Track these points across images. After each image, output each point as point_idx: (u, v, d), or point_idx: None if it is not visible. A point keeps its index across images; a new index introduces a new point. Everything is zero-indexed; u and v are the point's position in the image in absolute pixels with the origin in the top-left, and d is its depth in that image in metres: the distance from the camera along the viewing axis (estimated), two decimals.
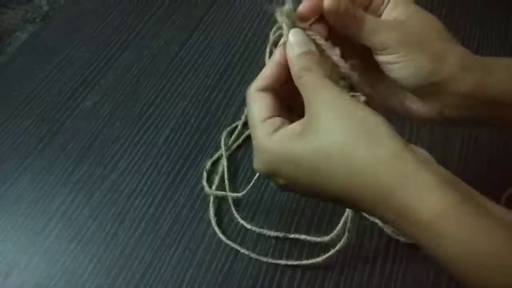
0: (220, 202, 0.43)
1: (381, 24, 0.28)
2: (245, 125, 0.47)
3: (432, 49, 0.28)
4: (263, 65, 0.53)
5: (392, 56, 0.28)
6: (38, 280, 0.39)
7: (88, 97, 0.53)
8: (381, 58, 0.28)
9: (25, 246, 0.41)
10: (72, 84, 0.54)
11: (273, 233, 0.40)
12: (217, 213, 0.42)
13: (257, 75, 0.55)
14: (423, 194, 0.23)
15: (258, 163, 0.27)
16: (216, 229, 0.40)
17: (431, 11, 0.60)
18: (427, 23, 0.31)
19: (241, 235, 0.40)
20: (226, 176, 0.44)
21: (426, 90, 0.29)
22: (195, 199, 0.43)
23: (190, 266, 0.39)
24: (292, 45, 0.28)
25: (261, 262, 0.39)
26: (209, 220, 0.41)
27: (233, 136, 0.47)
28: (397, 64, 0.28)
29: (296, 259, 0.39)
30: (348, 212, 0.35)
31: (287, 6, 0.27)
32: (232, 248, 0.40)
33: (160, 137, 0.48)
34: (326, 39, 0.28)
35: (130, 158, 0.47)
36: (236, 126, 0.48)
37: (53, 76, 0.55)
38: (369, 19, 0.28)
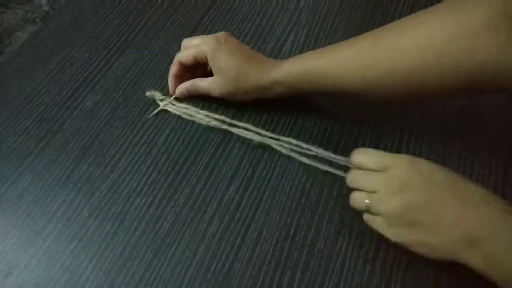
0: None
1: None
2: None
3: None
4: None
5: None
6: (38, 280, 0.39)
7: (88, 97, 0.53)
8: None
9: (25, 245, 0.41)
10: (72, 84, 0.54)
11: (273, 233, 0.40)
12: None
13: None
14: None
15: None
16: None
17: None
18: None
19: (241, 235, 0.40)
20: None
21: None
22: (195, 199, 0.43)
23: (190, 265, 0.39)
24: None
25: (261, 262, 0.39)
26: (209, 218, 0.41)
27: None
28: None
29: (297, 259, 0.39)
30: None
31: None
32: (232, 248, 0.40)
33: (160, 137, 0.48)
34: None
35: (130, 158, 0.47)
36: None
37: (53, 76, 0.55)
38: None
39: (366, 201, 0.35)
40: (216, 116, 0.47)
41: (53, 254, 0.41)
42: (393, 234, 0.34)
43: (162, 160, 0.46)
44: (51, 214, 0.43)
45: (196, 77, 0.48)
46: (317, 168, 0.43)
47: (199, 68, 0.49)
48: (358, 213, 0.38)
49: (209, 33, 0.58)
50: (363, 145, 0.45)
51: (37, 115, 0.51)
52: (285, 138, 0.45)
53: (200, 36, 0.48)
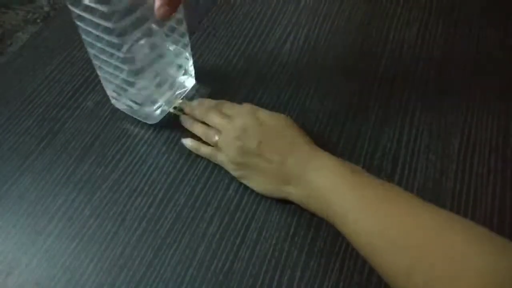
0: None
1: None
2: None
3: None
4: (264, 65, 0.54)
5: None
6: (39, 280, 0.39)
7: (89, 97, 0.53)
8: None
9: (26, 245, 0.41)
10: (73, 84, 0.54)
11: (273, 233, 0.40)
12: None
13: (256, 75, 0.55)
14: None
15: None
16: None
17: (429, 13, 0.61)
18: None
19: (241, 234, 0.40)
20: None
21: None
22: (195, 199, 0.43)
23: (190, 265, 0.39)
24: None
25: (261, 262, 0.39)
26: (210, 218, 0.42)
27: None
28: None
29: (296, 258, 0.39)
30: None
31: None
32: (232, 247, 0.40)
33: (161, 136, 0.48)
34: None
35: (131, 158, 0.47)
36: None
37: (54, 76, 0.55)
38: None
39: (216, 138, 0.43)
40: None
41: (54, 253, 0.41)
42: (231, 168, 0.43)
43: (162, 160, 0.46)
44: (52, 214, 0.43)
45: None
46: None
47: None
48: None
49: (209, 33, 0.58)
50: (362, 146, 0.46)
51: (38, 115, 0.51)
52: None
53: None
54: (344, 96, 0.49)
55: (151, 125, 0.49)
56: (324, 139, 0.46)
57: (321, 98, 0.50)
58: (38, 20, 1.69)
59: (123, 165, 0.46)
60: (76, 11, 0.38)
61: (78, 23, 0.39)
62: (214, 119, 0.45)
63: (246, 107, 0.45)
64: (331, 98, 0.50)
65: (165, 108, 0.49)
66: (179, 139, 0.48)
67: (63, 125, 0.50)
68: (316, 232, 0.40)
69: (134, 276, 0.39)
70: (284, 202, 0.42)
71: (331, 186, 0.36)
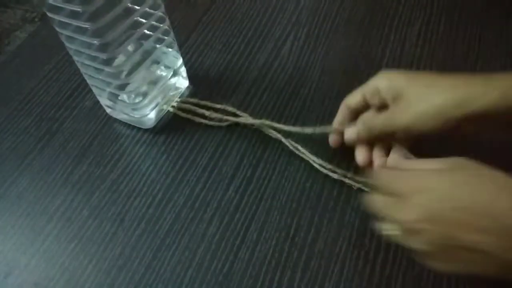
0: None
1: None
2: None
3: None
4: (263, 64, 0.54)
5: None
6: (38, 280, 0.39)
7: (87, 96, 0.52)
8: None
9: (24, 246, 0.41)
10: (71, 84, 0.54)
11: (273, 233, 0.40)
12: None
13: (256, 75, 0.55)
14: None
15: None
16: None
17: (430, 12, 0.61)
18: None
19: (241, 235, 0.40)
20: None
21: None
22: (194, 199, 0.43)
23: (190, 266, 0.39)
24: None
25: (261, 262, 0.39)
26: (209, 219, 0.41)
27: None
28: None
29: (296, 259, 0.38)
30: None
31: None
32: (232, 248, 0.40)
33: (160, 137, 0.48)
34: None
35: (129, 158, 0.46)
36: None
37: (52, 76, 0.55)
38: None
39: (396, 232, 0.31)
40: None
41: (53, 254, 0.40)
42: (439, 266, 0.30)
43: (161, 160, 0.46)
44: (50, 214, 0.43)
45: None
46: (317, 170, 0.43)
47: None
48: (357, 213, 0.38)
49: (208, 32, 0.58)
50: None
51: (36, 115, 0.51)
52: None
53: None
54: (344, 96, 0.49)
55: (150, 125, 0.49)
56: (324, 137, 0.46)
57: (321, 98, 0.50)
58: (36, 19, 1.68)
59: (122, 165, 0.46)
60: (57, 17, 0.38)
61: (60, 30, 0.39)
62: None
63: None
64: (331, 98, 0.50)
65: (162, 108, 0.48)
66: (178, 139, 0.47)
67: (61, 125, 0.50)
68: (317, 233, 0.40)
69: (133, 277, 0.38)
70: (284, 202, 0.42)
71: None
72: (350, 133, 0.40)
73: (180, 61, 0.48)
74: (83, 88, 0.53)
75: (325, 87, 0.51)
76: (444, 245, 0.28)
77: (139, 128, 0.49)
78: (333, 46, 0.55)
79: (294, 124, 0.48)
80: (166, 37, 0.45)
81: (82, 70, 0.43)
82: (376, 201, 0.32)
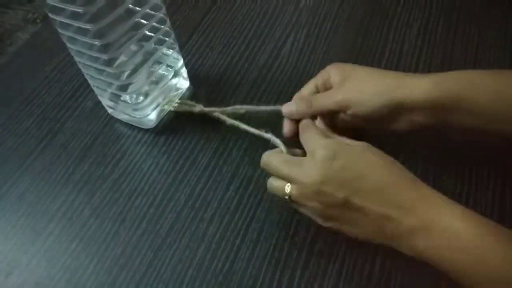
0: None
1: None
2: None
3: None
4: (263, 65, 0.54)
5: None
6: (39, 280, 0.39)
7: (88, 97, 0.53)
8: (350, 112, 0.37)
9: (26, 245, 0.41)
10: (72, 84, 0.54)
11: (273, 233, 0.40)
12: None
13: (256, 75, 0.55)
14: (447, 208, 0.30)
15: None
16: None
17: (429, 13, 0.61)
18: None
19: (241, 234, 0.40)
20: None
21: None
22: (195, 199, 0.43)
23: (190, 265, 0.39)
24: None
25: (261, 262, 0.39)
26: (210, 218, 0.42)
27: None
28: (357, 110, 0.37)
29: (296, 258, 0.39)
30: None
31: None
32: (232, 247, 0.40)
33: (161, 137, 0.48)
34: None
35: (130, 158, 0.47)
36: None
37: (53, 76, 0.55)
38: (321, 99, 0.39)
39: (287, 190, 0.34)
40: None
41: (54, 253, 0.41)
42: (321, 222, 0.35)
43: (162, 160, 0.46)
44: (52, 214, 0.43)
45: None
46: None
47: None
48: None
49: (209, 34, 0.58)
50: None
51: (37, 115, 0.51)
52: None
53: None
54: None
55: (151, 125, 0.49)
56: None
57: None
58: (38, 20, 1.69)
59: (123, 165, 0.46)
60: (57, 18, 0.38)
61: (62, 31, 0.39)
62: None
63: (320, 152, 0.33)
64: None
65: (163, 108, 0.48)
66: (179, 139, 0.48)
67: (63, 125, 0.50)
68: (316, 232, 0.40)
69: (134, 276, 0.39)
70: (285, 202, 0.42)
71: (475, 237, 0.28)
72: (289, 107, 0.40)
73: (181, 62, 0.49)
74: (84, 89, 0.54)
75: None
76: (337, 206, 0.32)
77: (140, 128, 0.49)
78: (332, 46, 0.55)
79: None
80: (167, 39, 0.45)
81: (84, 70, 0.44)
82: (275, 158, 0.36)
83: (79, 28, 0.37)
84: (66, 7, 0.36)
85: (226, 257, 0.39)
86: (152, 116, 0.47)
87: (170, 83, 0.48)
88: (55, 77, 0.55)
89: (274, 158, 0.36)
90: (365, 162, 0.32)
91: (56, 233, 0.42)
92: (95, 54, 0.39)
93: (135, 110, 0.46)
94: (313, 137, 0.35)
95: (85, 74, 0.44)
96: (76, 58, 0.42)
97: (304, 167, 0.33)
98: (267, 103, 0.50)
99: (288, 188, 0.34)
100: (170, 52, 0.47)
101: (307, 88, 0.41)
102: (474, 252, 0.28)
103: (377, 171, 0.32)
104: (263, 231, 0.41)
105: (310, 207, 0.33)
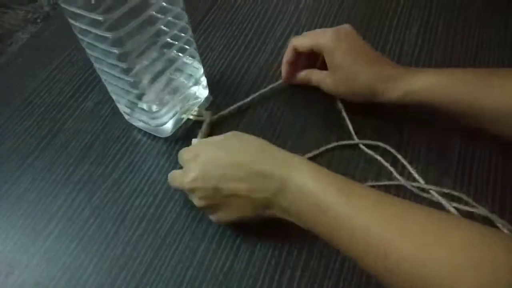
0: None
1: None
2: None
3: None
4: (263, 65, 0.54)
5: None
6: (39, 280, 0.39)
7: (89, 97, 0.53)
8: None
9: (26, 245, 0.42)
10: (73, 84, 0.54)
11: (273, 233, 0.40)
12: None
13: (256, 75, 0.55)
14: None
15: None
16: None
17: (429, 13, 0.61)
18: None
19: (241, 234, 0.40)
20: None
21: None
22: None
23: (190, 265, 0.39)
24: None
25: (261, 262, 0.39)
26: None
27: None
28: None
29: (296, 258, 0.39)
30: None
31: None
32: (232, 247, 0.40)
33: (161, 136, 0.48)
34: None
35: (131, 158, 0.47)
36: None
37: (54, 76, 0.55)
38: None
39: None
40: None
41: (54, 253, 0.41)
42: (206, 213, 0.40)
43: (163, 159, 0.46)
44: (52, 214, 0.43)
45: (310, 65, 0.48)
46: None
47: (315, 57, 0.47)
48: None
49: (209, 34, 0.58)
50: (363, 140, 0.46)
51: (38, 115, 0.52)
52: None
53: (322, 29, 0.45)
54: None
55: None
56: (321, 139, 0.46)
57: (321, 97, 0.50)
58: (38, 20, 1.69)
59: (123, 165, 0.46)
60: (77, 25, 0.37)
61: (81, 36, 0.38)
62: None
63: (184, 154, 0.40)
64: (331, 98, 0.50)
65: (180, 118, 0.47)
66: (179, 139, 0.48)
67: (63, 125, 0.50)
68: None
69: (134, 276, 0.39)
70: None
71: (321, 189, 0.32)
72: (296, 78, 0.49)
73: (201, 71, 0.47)
74: (85, 89, 0.54)
75: None
76: (213, 197, 0.36)
77: (140, 129, 0.49)
78: None
79: (294, 125, 0.48)
80: (188, 47, 0.44)
81: (102, 76, 0.43)
82: (171, 176, 0.41)
83: (97, 35, 0.36)
84: (86, 14, 0.35)
85: (226, 257, 0.39)
86: (168, 125, 0.46)
87: (189, 92, 0.47)
88: (56, 77, 0.55)
89: (170, 177, 0.41)
90: (224, 149, 0.37)
91: (56, 233, 0.42)
92: (114, 62, 0.38)
93: (152, 118, 0.45)
94: (181, 153, 0.40)
95: (103, 80, 0.44)
96: (96, 64, 0.41)
97: (180, 175, 0.39)
98: (267, 103, 0.50)
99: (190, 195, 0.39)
100: (190, 61, 0.46)
101: (304, 45, 0.45)
102: (318, 200, 0.31)
103: (234, 153, 0.36)
104: (263, 231, 0.40)
105: (196, 203, 0.38)
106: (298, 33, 0.57)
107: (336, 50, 0.42)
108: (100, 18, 0.34)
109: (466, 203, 0.40)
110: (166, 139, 0.48)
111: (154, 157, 0.47)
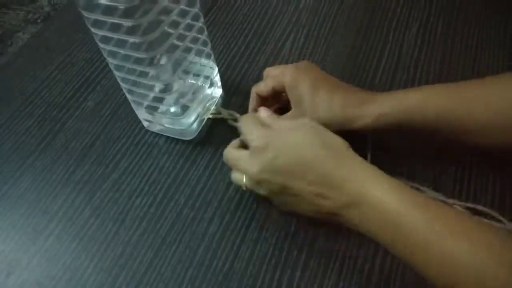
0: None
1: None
2: None
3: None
4: (263, 65, 0.54)
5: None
6: (39, 279, 0.39)
7: (89, 97, 0.53)
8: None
9: (26, 245, 0.42)
10: (73, 84, 0.54)
11: (273, 232, 0.40)
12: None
13: (257, 76, 0.56)
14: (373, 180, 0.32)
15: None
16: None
17: (429, 13, 0.61)
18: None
19: (241, 234, 0.41)
20: None
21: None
22: (195, 199, 0.43)
23: (190, 265, 0.39)
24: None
25: (261, 261, 0.39)
26: (210, 218, 0.42)
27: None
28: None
29: (296, 257, 0.39)
30: None
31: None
32: (233, 247, 0.40)
33: (161, 136, 0.48)
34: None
35: (131, 158, 0.47)
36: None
37: (54, 77, 0.55)
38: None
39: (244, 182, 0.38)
40: None
41: (55, 253, 0.41)
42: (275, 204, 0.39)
43: (163, 160, 0.46)
44: (52, 214, 0.43)
45: (276, 104, 0.46)
46: None
47: (279, 97, 0.45)
48: None
49: (209, 34, 0.58)
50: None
51: (38, 115, 0.52)
52: None
53: (282, 66, 0.44)
54: None
55: None
56: None
57: None
58: (39, 20, 1.69)
59: (124, 165, 0.46)
60: (100, 33, 0.36)
61: (103, 45, 0.38)
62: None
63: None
64: None
65: (201, 119, 0.48)
66: (179, 139, 0.48)
67: (64, 125, 0.50)
68: (316, 231, 0.40)
69: (134, 276, 0.39)
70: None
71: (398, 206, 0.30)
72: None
73: (216, 70, 0.48)
74: (85, 89, 0.54)
75: None
76: (278, 192, 0.35)
77: (140, 129, 0.49)
78: (332, 47, 0.56)
79: None
80: (205, 48, 0.44)
81: (122, 85, 0.42)
82: (231, 154, 0.39)
83: (119, 39, 0.36)
84: (118, 21, 0.34)
85: (226, 257, 0.39)
86: (194, 126, 0.47)
87: (206, 92, 0.47)
88: (56, 77, 0.55)
89: (229, 154, 0.39)
90: (294, 147, 0.35)
91: (56, 233, 0.42)
92: (141, 68, 0.39)
93: (176, 121, 0.45)
94: (251, 130, 0.38)
95: (123, 89, 0.43)
96: (116, 73, 0.41)
97: (246, 160, 0.37)
98: None
99: (243, 178, 0.37)
100: (207, 61, 0.46)
101: (266, 89, 0.43)
102: (397, 221, 0.30)
103: (307, 151, 0.34)
104: (263, 231, 0.41)
105: (261, 193, 0.37)
106: (298, 33, 0.57)
107: (299, 84, 0.41)
108: (129, 23, 0.34)
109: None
110: (166, 139, 0.48)
111: (154, 157, 0.47)
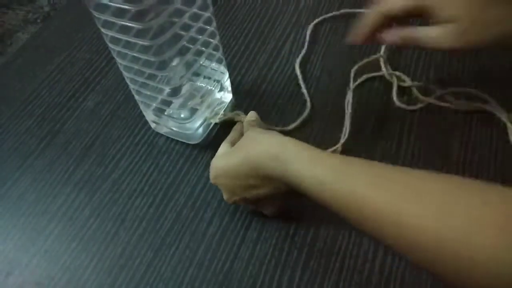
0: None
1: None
2: None
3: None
4: (263, 65, 0.54)
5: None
6: (39, 279, 0.39)
7: (89, 97, 0.53)
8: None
9: (26, 245, 0.42)
10: (73, 84, 0.54)
11: (273, 233, 0.40)
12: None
13: (257, 75, 0.55)
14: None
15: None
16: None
17: None
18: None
19: (241, 234, 0.41)
20: None
21: None
22: (195, 199, 0.43)
23: (190, 265, 0.39)
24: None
25: (261, 262, 0.39)
26: (210, 218, 0.42)
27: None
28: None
29: (296, 258, 0.39)
30: None
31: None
32: (232, 247, 0.40)
33: (161, 136, 0.48)
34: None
35: (131, 158, 0.47)
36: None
37: (54, 77, 0.55)
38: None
39: None
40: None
41: (54, 253, 0.41)
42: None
43: (162, 159, 0.46)
44: (52, 214, 0.43)
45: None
46: None
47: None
48: None
49: None
50: (363, 142, 0.46)
51: (38, 115, 0.52)
52: None
53: None
54: (344, 95, 0.49)
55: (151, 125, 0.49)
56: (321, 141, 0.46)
57: (321, 97, 0.50)
58: (38, 20, 1.69)
59: (123, 165, 0.46)
60: (109, 33, 0.36)
61: (112, 46, 0.37)
62: None
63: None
64: (331, 97, 0.50)
65: (208, 123, 0.47)
66: (178, 139, 0.48)
67: (63, 125, 0.50)
68: (316, 231, 0.40)
69: (134, 276, 0.39)
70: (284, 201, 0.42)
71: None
72: (395, 36, 0.39)
73: (227, 75, 0.47)
74: (85, 89, 0.54)
75: (325, 87, 0.51)
76: (247, 202, 0.38)
77: (140, 129, 0.49)
78: (332, 46, 0.55)
79: (293, 124, 0.48)
80: (216, 52, 0.44)
81: (131, 85, 0.42)
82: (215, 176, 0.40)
83: (127, 42, 0.36)
84: (117, 21, 0.34)
85: (226, 257, 0.39)
86: (199, 130, 0.46)
87: (215, 96, 0.47)
88: (56, 77, 0.55)
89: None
90: (231, 161, 0.37)
91: (56, 233, 0.42)
92: (148, 71, 0.38)
93: (183, 125, 0.45)
94: (224, 142, 0.41)
95: (131, 89, 0.43)
96: (125, 73, 0.41)
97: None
98: (268, 103, 0.50)
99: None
100: (218, 65, 0.46)
101: (401, 8, 0.37)
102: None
103: (239, 163, 0.36)
104: (263, 231, 0.41)
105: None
106: (298, 33, 0.57)
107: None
108: (141, 26, 0.34)
109: None
110: (166, 139, 0.48)
111: (154, 158, 0.47)
